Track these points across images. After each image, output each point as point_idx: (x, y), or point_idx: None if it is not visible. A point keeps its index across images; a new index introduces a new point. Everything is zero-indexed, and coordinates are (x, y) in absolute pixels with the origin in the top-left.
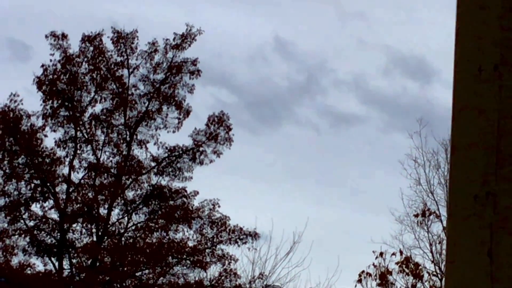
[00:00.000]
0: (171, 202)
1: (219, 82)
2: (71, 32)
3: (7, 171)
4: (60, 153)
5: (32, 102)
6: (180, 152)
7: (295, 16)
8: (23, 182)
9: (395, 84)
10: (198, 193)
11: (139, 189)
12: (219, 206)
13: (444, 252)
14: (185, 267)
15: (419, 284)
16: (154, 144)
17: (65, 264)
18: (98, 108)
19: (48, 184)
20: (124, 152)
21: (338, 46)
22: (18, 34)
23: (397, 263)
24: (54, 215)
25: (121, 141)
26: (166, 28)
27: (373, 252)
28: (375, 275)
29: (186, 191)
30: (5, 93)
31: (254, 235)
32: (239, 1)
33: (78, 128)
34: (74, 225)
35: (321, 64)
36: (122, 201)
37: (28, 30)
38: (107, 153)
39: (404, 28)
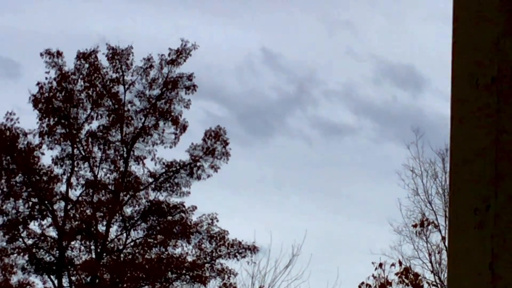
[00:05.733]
0: (170, 218)
1: (209, 95)
2: (61, 49)
3: (5, 190)
4: (57, 170)
5: (25, 120)
6: (178, 167)
7: (281, 26)
8: (21, 201)
9: (385, 94)
10: (196, 208)
11: (137, 205)
12: (217, 221)
13: (443, 262)
14: (184, 282)
15: None
16: (151, 160)
17: (65, 281)
18: (94, 125)
19: (46, 202)
20: (122, 169)
21: (327, 56)
22: (5, 52)
23: (396, 274)
24: (52, 233)
25: (118, 157)
26: (152, 42)
27: (373, 263)
28: (375, 286)
29: (184, 206)
30: None
31: (253, 249)
32: (224, 13)
33: (75, 146)
34: (72, 243)
35: (311, 74)
36: (120, 218)
37: (15, 47)
38: (104, 170)
39: (391, 37)
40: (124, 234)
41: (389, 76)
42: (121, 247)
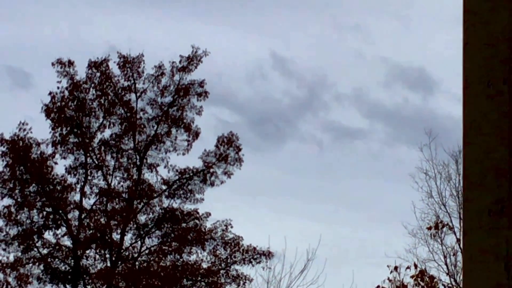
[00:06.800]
0: (184, 225)
1: (220, 102)
2: (72, 58)
3: (19, 200)
4: (71, 179)
5: (37, 129)
6: (191, 174)
7: (291, 31)
8: (35, 210)
9: (397, 96)
10: (210, 214)
11: (151, 213)
12: (231, 227)
13: (459, 264)
14: None
15: None
16: (164, 167)
17: None
18: (107, 133)
19: (60, 211)
20: (135, 177)
21: (337, 60)
22: (16, 62)
23: (412, 277)
24: (67, 242)
25: (131, 165)
26: (162, 49)
27: (388, 266)
28: None
29: (198, 213)
30: (8, 120)
31: (268, 254)
32: (233, 19)
33: (88, 154)
34: (87, 251)
35: (321, 79)
36: (135, 226)
37: (26, 57)
38: (117, 178)
39: (401, 39)
40: (139, 242)
41: (400, 78)
42: (136, 255)
